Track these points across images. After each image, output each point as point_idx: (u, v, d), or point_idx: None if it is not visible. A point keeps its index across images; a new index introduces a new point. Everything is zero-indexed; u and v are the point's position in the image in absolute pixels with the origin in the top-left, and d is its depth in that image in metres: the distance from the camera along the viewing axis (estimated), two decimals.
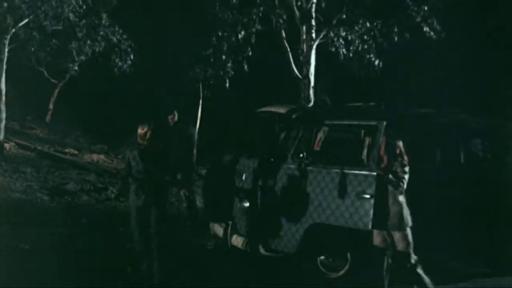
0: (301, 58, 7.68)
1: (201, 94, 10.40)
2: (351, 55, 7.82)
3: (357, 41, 7.67)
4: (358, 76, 8.35)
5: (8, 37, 8.97)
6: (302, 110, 5.26)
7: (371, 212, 3.95)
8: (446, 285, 4.01)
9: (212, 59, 8.40)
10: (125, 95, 12.68)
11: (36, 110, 13.28)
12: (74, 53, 11.52)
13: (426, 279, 3.87)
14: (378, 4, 7.59)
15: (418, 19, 7.33)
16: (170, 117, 6.32)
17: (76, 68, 12.00)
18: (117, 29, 10.91)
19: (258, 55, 8.33)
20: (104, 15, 10.88)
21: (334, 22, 7.69)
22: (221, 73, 8.48)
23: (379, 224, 3.92)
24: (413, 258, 3.85)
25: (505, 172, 4.62)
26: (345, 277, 4.28)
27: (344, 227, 4.10)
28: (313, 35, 7.68)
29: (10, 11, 8.56)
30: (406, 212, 3.83)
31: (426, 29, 7.36)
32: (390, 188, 3.84)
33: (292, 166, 4.36)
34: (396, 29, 7.49)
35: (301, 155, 4.28)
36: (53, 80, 13.19)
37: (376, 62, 7.76)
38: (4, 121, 9.02)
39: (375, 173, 3.96)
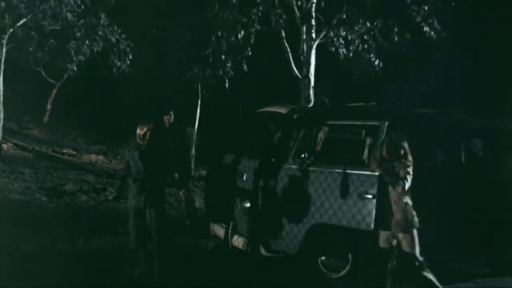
0: (301, 58, 7.68)
1: (199, 94, 10.37)
2: (351, 55, 7.82)
3: (357, 41, 7.68)
4: (358, 76, 8.34)
5: (6, 36, 8.92)
6: (303, 110, 5.25)
7: (374, 212, 3.95)
8: (447, 285, 4.00)
9: (211, 59, 8.37)
10: (123, 95, 12.64)
11: (34, 110, 13.21)
12: (73, 53, 11.45)
13: (434, 280, 3.86)
14: (378, 4, 7.59)
15: (418, 19, 7.33)
16: (166, 117, 6.30)
17: (75, 68, 11.93)
18: (115, 28, 10.86)
19: (258, 55, 8.31)
20: (103, 15, 10.83)
21: (334, 22, 7.70)
22: (221, 73, 8.46)
23: (381, 225, 3.91)
24: (419, 260, 3.84)
25: (505, 172, 4.62)
26: (346, 278, 4.27)
27: (345, 227, 4.09)
28: (313, 35, 7.68)
29: (8, 10, 8.51)
30: (412, 213, 3.82)
31: (426, 29, 7.37)
32: (397, 189, 3.83)
33: (293, 166, 4.35)
34: (396, 29, 7.51)
35: (303, 155, 4.27)
36: (51, 80, 13.12)
37: (376, 62, 7.76)
38: (1, 121, 8.96)
39: (377, 173, 3.95)
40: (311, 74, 7.66)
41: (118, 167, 9.41)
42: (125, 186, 4.42)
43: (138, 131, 4.19)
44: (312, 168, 4.27)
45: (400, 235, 3.84)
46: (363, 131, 4.33)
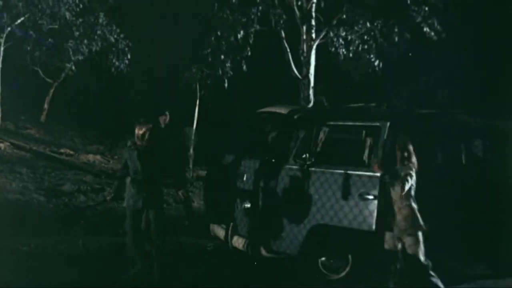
0: (301, 58, 7.66)
1: (198, 94, 10.34)
2: (351, 55, 7.82)
3: (357, 41, 7.67)
4: (358, 76, 8.33)
5: (4, 35, 8.88)
6: (304, 110, 5.23)
7: (375, 213, 3.93)
8: (447, 286, 3.99)
9: (210, 59, 8.35)
10: (121, 94, 12.60)
11: (31, 109, 13.15)
12: (71, 52, 11.40)
13: (439, 283, 3.85)
14: (378, 4, 7.58)
15: (419, 20, 7.33)
16: (161, 118, 6.25)
17: (73, 67, 11.88)
18: (114, 28, 10.82)
19: (257, 55, 8.30)
20: (101, 14, 10.79)
21: (334, 22, 7.69)
22: (220, 73, 8.43)
23: (383, 226, 3.90)
24: (424, 262, 3.82)
25: (505, 173, 4.62)
26: (346, 279, 4.26)
27: (345, 228, 4.08)
28: (313, 35, 7.68)
29: (6, 9, 8.47)
30: (417, 216, 3.80)
31: (426, 29, 7.37)
32: (397, 190, 3.82)
33: (294, 167, 4.33)
34: (396, 30, 7.50)
35: (304, 156, 4.25)
36: (48, 80, 13.06)
37: (376, 63, 7.76)
38: None
39: (378, 174, 3.94)
40: (311, 75, 7.65)
41: (116, 167, 9.37)
42: (123, 186, 4.38)
43: (137, 131, 4.14)
44: (313, 168, 4.25)
45: (405, 238, 3.82)
46: (364, 132, 4.32)
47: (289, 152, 4.41)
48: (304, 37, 7.67)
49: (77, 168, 9.23)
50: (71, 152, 10.60)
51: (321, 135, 4.40)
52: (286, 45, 7.79)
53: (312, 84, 7.67)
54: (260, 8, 7.65)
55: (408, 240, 3.81)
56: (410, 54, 8.87)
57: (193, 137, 9.86)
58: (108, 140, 12.26)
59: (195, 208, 6.75)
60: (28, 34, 10.29)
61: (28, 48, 11.05)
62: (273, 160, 4.50)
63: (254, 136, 5.31)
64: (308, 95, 7.61)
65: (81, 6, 9.52)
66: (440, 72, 9.74)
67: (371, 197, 3.99)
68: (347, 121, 4.47)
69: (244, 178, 4.62)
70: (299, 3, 7.59)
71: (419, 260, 3.80)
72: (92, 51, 11.29)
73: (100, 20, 10.73)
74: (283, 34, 7.80)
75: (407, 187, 3.77)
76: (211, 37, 7.99)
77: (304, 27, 7.65)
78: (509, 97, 7.57)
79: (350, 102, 5.12)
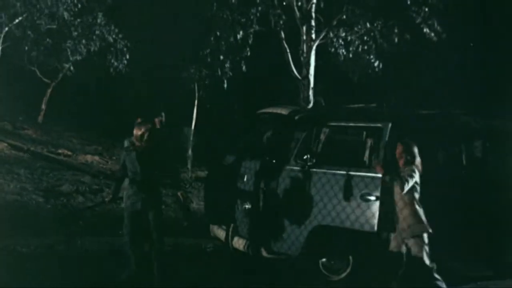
0: (301, 58, 7.65)
1: (196, 95, 10.32)
2: (351, 56, 7.81)
3: (357, 42, 7.67)
4: (358, 77, 8.33)
5: (2, 35, 8.83)
6: (304, 111, 5.21)
7: (377, 214, 3.92)
8: (447, 286, 3.99)
9: (209, 59, 8.33)
10: (120, 95, 12.56)
11: (29, 110, 13.09)
12: (69, 52, 11.35)
13: (443, 286, 3.83)
14: (378, 5, 7.58)
15: (419, 20, 7.33)
16: (156, 119, 6.23)
17: (72, 68, 11.83)
18: (112, 28, 10.78)
19: (257, 56, 8.29)
20: (100, 14, 10.75)
21: (334, 22, 7.69)
22: (219, 73, 8.41)
23: (385, 227, 3.89)
24: (428, 264, 3.81)
25: (505, 173, 4.63)
26: (347, 280, 4.24)
27: (347, 229, 4.06)
28: (313, 35, 7.66)
29: (4, 8, 8.43)
30: (421, 218, 3.78)
31: (426, 30, 7.37)
32: (397, 190, 3.81)
33: (295, 168, 4.32)
34: (396, 30, 7.51)
35: (305, 156, 4.23)
36: (45, 80, 13.00)
37: (376, 63, 7.75)
38: None
39: (380, 175, 3.93)
40: (311, 75, 7.64)
41: (114, 168, 9.33)
42: (121, 186, 4.35)
43: (136, 131, 4.09)
44: (314, 169, 4.23)
45: (409, 239, 3.80)
46: (365, 133, 4.31)
47: (290, 153, 4.40)
48: (304, 37, 7.66)
49: (75, 169, 9.19)
50: (69, 153, 10.56)
51: (322, 136, 4.38)
52: (285, 45, 7.78)
53: (312, 84, 7.65)
54: (259, 8, 7.63)
55: (412, 243, 3.80)
56: (410, 55, 8.88)
57: (191, 138, 9.84)
58: (106, 141, 12.22)
59: (193, 209, 6.72)
60: (26, 34, 10.24)
61: (26, 48, 10.99)
62: (274, 161, 4.48)
63: (255, 137, 5.29)
64: (308, 95, 7.59)
65: (79, 6, 9.47)
66: (440, 73, 9.76)
67: (373, 198, 3.98)
68: (349, 122, 4.45)
69: (245, 179, 4.60)
70: (299, 3, 7.58)
71: (423, 262, 3.78)
72: (91, 51, 11.24)
73: (99, 20, 10.69)
74: (282, 35, 7.79)
75: (406, 188, 3.75)
76: (210, 37, 7.97)
77: (304, 28, 7.64)
78: (509, 97, 7.58)
79: (350, 103, 5.11)
